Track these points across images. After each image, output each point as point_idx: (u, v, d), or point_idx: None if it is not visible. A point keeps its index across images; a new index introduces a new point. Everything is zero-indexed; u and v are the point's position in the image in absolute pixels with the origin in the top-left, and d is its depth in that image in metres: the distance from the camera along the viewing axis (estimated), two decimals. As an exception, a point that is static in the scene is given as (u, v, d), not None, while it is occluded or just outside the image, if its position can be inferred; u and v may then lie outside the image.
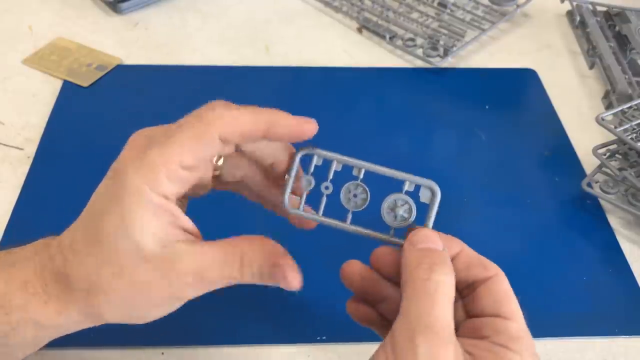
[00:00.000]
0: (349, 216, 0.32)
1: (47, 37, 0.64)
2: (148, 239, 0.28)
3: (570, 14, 0.72)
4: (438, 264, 0.29)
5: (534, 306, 0.43)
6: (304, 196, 0.32)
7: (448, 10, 0.69)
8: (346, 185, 0.32)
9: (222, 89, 0.59)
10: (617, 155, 0.52)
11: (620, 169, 0.50)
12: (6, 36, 0.64)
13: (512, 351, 0.28)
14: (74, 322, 0.31)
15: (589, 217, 0.50)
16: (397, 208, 0.32)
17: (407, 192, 0.32)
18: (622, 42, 0.64)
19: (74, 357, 0.39)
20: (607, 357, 0.41)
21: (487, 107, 0.59)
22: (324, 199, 0.32)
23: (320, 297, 0.43)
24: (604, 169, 0.51)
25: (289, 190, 0.32)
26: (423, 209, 0.32)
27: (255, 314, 0.42)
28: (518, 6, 0.70)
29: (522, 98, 0.62)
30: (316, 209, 0.33)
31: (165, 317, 0.41)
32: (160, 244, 0.29)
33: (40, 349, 0.39)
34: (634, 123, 0.52)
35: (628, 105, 0.54)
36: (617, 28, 0.66)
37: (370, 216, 0.32)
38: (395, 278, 0.32)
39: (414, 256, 0.29)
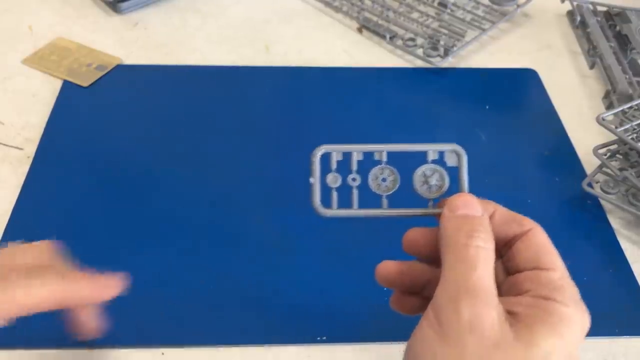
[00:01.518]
0: (384, 201, 0.31)
1: (47, 37, 0.64)
2: None
3: (570, 14, 0.72)
4: (477, 230, 0.28)
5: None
6: (334, 194, 0.31)
7: (448, 10, 0.69)
8: (372, 171, 0.31)
9: (222, 89, 0.59)
10: (617, 155, 0.52)
11: (620, 169, 0.50)
12: (6, 36, 0.64)
13: (556, 302, 0.27)
14: None
15: (589, 217, 0.50)
16: (429, 178, 0.31)
17: (433, 161, 0.31)
18: (623, 42, 0.64)
19: (74, 357, 0.39)
20: (607, 357, 0.41)
21: (487, 107, 0.59)
22: (355, 191, 0.31)
23: (320, 297, 0.43)
24: (604, 169, 0.51)
25: (317, 192, 0.32)
26: (454, 174, 0.31)
27: (255, 314, 0.42)
28: (518, 6, 0.70)
29: (523, 98, 0.62)
30: (349, 204, 0.32)
31: (165, 317, 0.42)
32: None
33: (40, 348, 0.39)
34: (634, 123, 0.52)
35: (628, 105, 0.54)
36: (617, 28, 0.66)
37: (403, 196, 0.32)
38: (432, 257, 0.31)
39: (453, 223, 0.29)
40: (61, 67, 0.61)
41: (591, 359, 0.41)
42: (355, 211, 0.31)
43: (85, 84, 0.59)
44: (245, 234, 0.47)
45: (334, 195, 0.31)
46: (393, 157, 0.32)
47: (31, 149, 0.52)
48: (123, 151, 0.53)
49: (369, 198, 0.31)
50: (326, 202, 0.31)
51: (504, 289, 0.29)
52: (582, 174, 0.53)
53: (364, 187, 0.31)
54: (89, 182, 0.50)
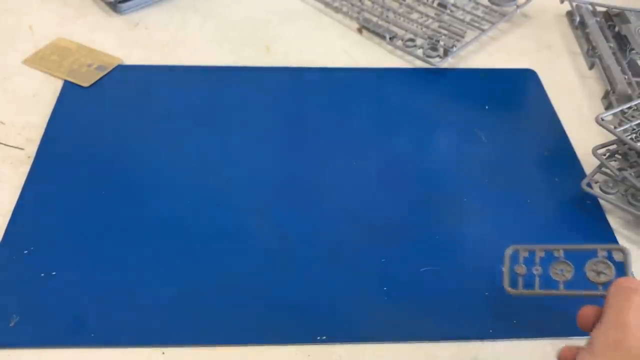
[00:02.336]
0: (561, 285, 0.39)
1: (47, 37, 0.64)
2: None
3: (570, 15, 0.72)
4: (633, 293, 0.34)
5: (534, 307, 0.43)
6: (520, 279, 0.41)
7: (448, 11, 0.69)
8: (552, 264, 0.40)
9: (222, 89, 0.60)
10: (616, 155, 0.52)
11: (619, 169, 0.50)
12: (7, 36, 0.64)
13: None
14: None
15: (588, 217, 0.50)
16: (598, 269, 0.39)
17: (602, 257, 0.39)
18: (622, 42, 0.65)
19: (74, 356, 0.40)
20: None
21: (487, 107, 0.59)
22: (537, 279, 0.40)
23: (320, 297, 0.43)
24: (603, 169, 0.51)
25: (507, 278, 0.41)
26: (620, 266, 0.39)
27: (255, 314, 0.42)
28: (518, 7, 0.70)
29: (522, 98, 0.62)
30: (532, 286, 0.40)
31: (165, 316, 0.42)
32: None
33: (39, 348, 0.40)
34: (633, 123, 0.52)
35: (628, 105, 0.54)
36: (616, 28, 0.66)
37: (577, 280, 0.40)
38: None
39: (616, 291, 0.35)
40: (62, 67, 0.61)
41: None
42: (538, 292, 0.40)
43: (85, 84, 0.59)
44: (246, 234, 0.47)
45: (520, 280, 0.41)
46: (569, 253, 0.40)
47: (32, 149, 0.52)
48: (123, 151, 0.53)
49: (548, 280, 0.40)
50: (514, 284, 0.41)
51: None
52: (581, 174, 0.53)
53: (544, 274, 0.40)
54: (90, 182, 0.50)
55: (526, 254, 0.41)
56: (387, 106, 0.59)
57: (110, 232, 0.46)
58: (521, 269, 0.41)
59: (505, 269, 0.41)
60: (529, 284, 0.41)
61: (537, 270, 0.41)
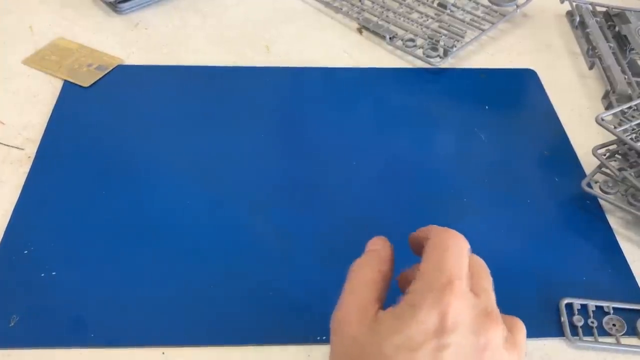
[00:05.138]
0: (619, 337, 0.42)
1: (47, 37, 0.64)
2: None
3: (570, 15, 0.72)
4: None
5: (533, 306, 0.43)
6: (568, 328, 0.42)
7: (448, 11, 0.69)
8: (604, 319, 0.42)
9: (222, 89, 0.60)
10: (616, 155, 0.52)
11: (619, 169, 0.50)
12: (7, 36, 0.65)
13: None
14: None
15: (588, 217, 0.50)
16: None
17: None
18: (622, 42, 0.65)
19: (74, 356, 0.40)
20: (607, 357, 0.41)
21: (487, 107, 0.59)
22: (595, 330, 0.42)
23: (319, 297, 0.43)
24: (603, 169, 0.51)
25: (567, 327, 0.42)
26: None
27: (255, 313, 0.42)
28: (518, 7, 0.70)
29: (522, 98, 0.62)
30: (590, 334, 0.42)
31: (166, 316, 0.42)
32: None
33: (39, 348, 0.40)
34: (633, 123, 0.52)
35: (627, 105, 0.54)
36: (616, 28, 0.66)
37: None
38: None
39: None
40: (62, 67, 0.61)
41: (591, 359, 0.41)
42: (596, 344, 0.41)
43: (85, 84, 0.59)
44: (246, 234, 0.47)
45: (579, 329, 0.42)
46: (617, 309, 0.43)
47: (32, 149, 0.52)
48: (124, 151, 0.53)
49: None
50: (573, 332, 0.42)
51: None
52: (581, 174, 0.53)
53: (599, 326, 0.42)
54: (90, 182, 0.50)
55: (579, 307, 0.43)
56: (387, 106, 0.59)
57: (111, 232, 0.46)
58: (578, 319, 0.42)
59: (564, 319, 0.42)
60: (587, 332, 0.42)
61: (592, 322, 0.42)
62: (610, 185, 0.50)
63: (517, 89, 0.62)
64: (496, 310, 0.32)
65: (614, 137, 0.51)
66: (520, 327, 0.34)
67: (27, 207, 0.48)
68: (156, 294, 0.43)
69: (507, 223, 0.49)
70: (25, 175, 0.50)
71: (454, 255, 0.32)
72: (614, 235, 0.48)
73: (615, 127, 0.51)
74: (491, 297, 0.33)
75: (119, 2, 0.67)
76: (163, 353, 0.40)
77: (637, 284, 0.45)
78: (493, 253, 0.46)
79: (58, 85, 0.59)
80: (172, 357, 0.40)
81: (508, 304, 0.43)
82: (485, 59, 0.66)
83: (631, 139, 0.50)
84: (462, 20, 0.68)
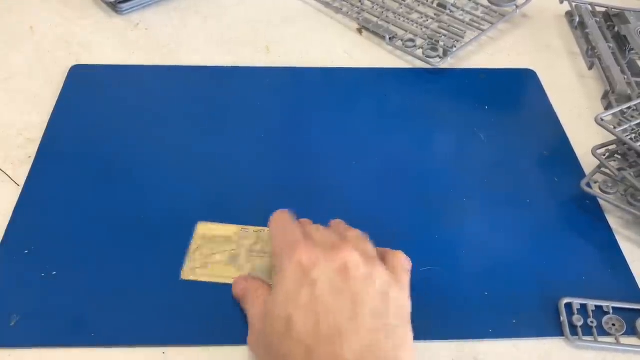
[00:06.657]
0: (619, 337, 0.42)
1: (48, 37, 0.64)
2: None
3: (569, 15, 0.72)
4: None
5: (533, 306, 0.43)
6: (579, 329, 0.42)
7: (447, 11, 0.70)
8: (604, 319, 0.43)
9: (223, 89, 0.60)
10: (616, 155, 0.52)
11: (619, 169, 0.50)
12: (7, 36, 0.65)
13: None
14: None
15: (588, 217, 0.50)
16: None
17: None
18: (622, 42, 0.65)
19: (74, 356, 0.40)
20: (607, 356, 0.41)
21: (486, 107, 0.59)
22: (595, 330, 0.42)
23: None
24: (603, 169, 0.51)
25: (567, 327, 0.42)
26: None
27: (255, 313, 0.42)
28: (517, 7, 0.70)
29: (522, 98, 0.62)
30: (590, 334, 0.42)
31: (166, 316, 0.42)
32: None
33: (39, 348, 0.40)
34: (633, 123, 0.52)
35: (627, 105, 0.54)
36: (616, 29, 0.66)
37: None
38: None
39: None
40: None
41: (591, 359, 0.41)
42: (597, 344, 0.41)
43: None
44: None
45: (579, 329, 0.42)
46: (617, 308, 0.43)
47: (32, 149, 0.52)
48: (124, 152, 0.53)
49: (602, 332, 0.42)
50: (573, 332, 0.42)
51: None
52: (580, 174, 0.53)
53: (599, 326, 0.42)
54: (90, 182, 0.50)
55: (579, 306, 0.43)
56: (387, 106, 0.59)
57: (111, 232, 0.46)
58: (577, 319, 0.43)
59: (563, 318, 0.43)
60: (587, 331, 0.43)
61: (592, 322, 0.42)
62: (610, 185, 0.50)
63: (517, 89, 0.62)
64: (344, 241, 0.38)
65: (613, 137, 0.51)
66: (394, 252, 0.40)
67: (27, 207, 0.48)
68: (156, 294, 0.43)
69: (506, 223, 0.49)
70: (26, 175, 0.50)
71: (281, 227, 0.41)
72: (614, 235, 0.49)
73: (614, 127, 0.51)
74: (333, 236, 0.39)
75: (119, 3, 0.68)
76: (163, 353, 0.40)
77: (636, 283, 0.45)
78: (493, 253, 0.47)
79: (58, 85, 0.59)
80: (172, 356, 0.40)
81: (508, 303, 0.43)
82: (485, 59, 0.66)
83: (631, 139, 0.51)
84: (462, 21, 0.68)
